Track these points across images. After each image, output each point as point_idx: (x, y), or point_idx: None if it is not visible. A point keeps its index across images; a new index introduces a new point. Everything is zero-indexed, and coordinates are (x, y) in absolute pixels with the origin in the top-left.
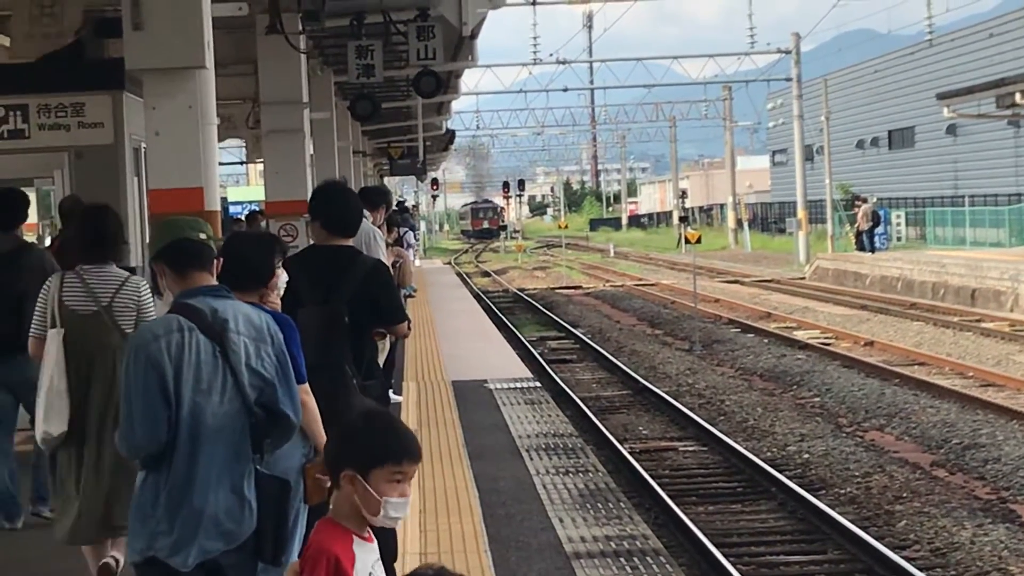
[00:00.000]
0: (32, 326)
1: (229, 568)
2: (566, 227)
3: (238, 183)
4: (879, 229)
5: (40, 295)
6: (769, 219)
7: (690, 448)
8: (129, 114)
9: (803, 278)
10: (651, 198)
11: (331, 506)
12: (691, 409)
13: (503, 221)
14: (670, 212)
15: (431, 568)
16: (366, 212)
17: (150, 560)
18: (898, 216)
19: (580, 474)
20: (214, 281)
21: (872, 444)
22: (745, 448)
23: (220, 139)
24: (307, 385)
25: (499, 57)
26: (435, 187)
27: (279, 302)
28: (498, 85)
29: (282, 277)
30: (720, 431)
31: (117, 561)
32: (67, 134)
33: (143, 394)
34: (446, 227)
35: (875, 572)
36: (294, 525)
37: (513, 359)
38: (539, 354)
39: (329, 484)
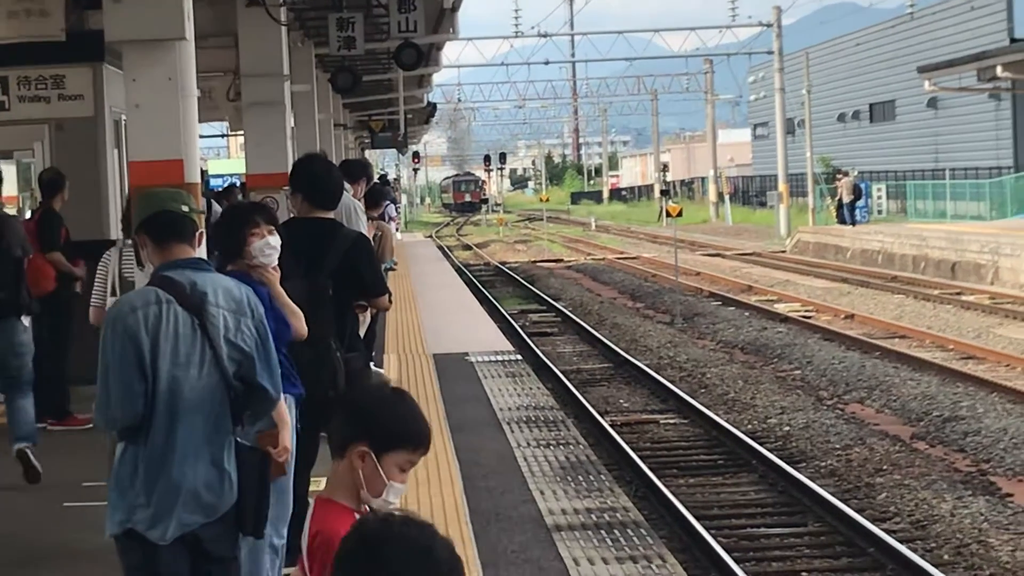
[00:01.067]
0: (93, 296)
1: (209, 541)
2: (547, 200)
3: (219, 156)
4: (860, 202)
5: (100, 266)
6: (750, 192)
7: (671, 421)
8: (109, 86)
9: (784, 251)
10: (632, 171)
11: (328, 480)
12: (672, 382)
13: (485, 194)
14: (651, 185)
15: (397, 514)
16: (347, 185)
17: (129, 532)
18: (879, 189)
19: (561, 447)
20: (196, 253)
21: (852, 417)
22: (726, 421)
23: (202, 118)
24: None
25: (480, 30)
26: (416, 160)
27: (275, 276)
28: (479, 58)
29: (271, 241)
30: (701, 404)
31: None
32: (47, 106)
33: (120, 366)
34: (427, 200)
35: (855, 544)
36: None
37: (494, 332)
38: (520, 327)
39: (284, 459)
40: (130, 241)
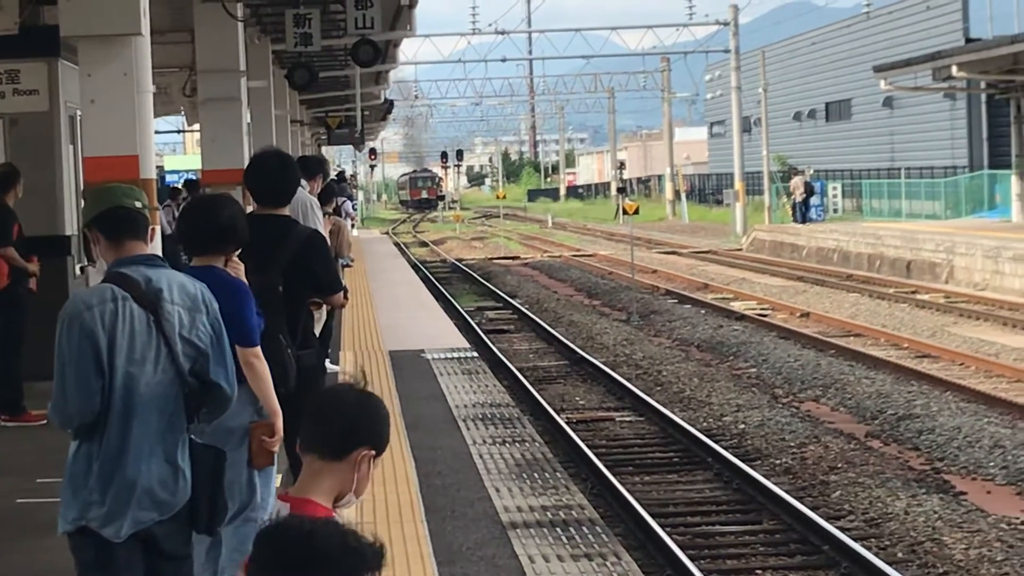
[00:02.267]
0: None
1: (163, 538)
2: (504, 197)
3: (175, 151)
4: (814, 201)
5: None
6: (707, 190)
7: (627, 418)
8: (64, 81)
9: (740, 249)
10: (589, 169)
11: (305, 480)
12: (628, 379)
13: (442, 191)
14: (608, 183)
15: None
16: (303, 182)
17: (82, 530)
18: (835, 188)
19: (517, 444)
20: (149, 249)
21: (808, 415)
22: (681, 418)
23: (157, 113)
24: (258, 348)
25: (438, 27)
26: (373, 157)
27: (242, 268)
28: (437, 55)
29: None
30: (657, 401)
31: None
32: (2, 101)
33: (76, 364)
34: (384, 197)
35: (810, 542)
36: (253, 485)
37: (450, 329)
38: (476, 324)
39: (276, 449)
40: None
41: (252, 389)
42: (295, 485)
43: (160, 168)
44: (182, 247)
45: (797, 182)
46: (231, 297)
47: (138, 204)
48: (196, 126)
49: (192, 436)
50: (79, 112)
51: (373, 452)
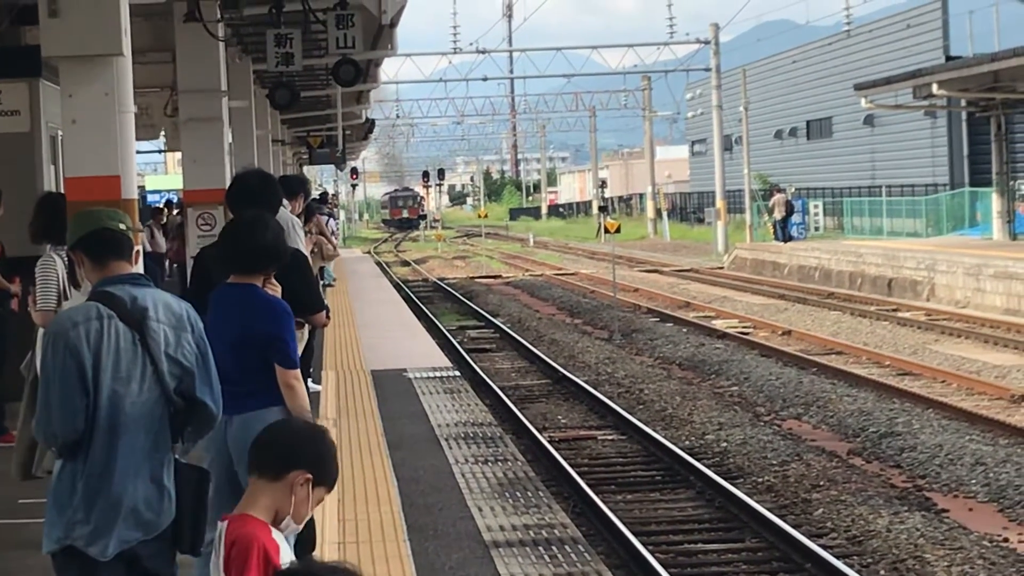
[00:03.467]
0: (40, 299)
1: (147, 558)
2: (486, 216)
3: (156, 171)
4: (796, 219)
5: (41, 270)
6: (688, 209)
7: (609, 437)
8: (45, 102)
9: (722, 267)
10: (571, 187)
11: (245, 498)
12: (610, 398)
13: (423, 210)
14: (589, 202)
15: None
16: (285, 201)
17: (67, 549)
18: (816, 206)
19: (499, 463)
20: (133, 270)
21: (789, 433)
22: (664, 437)
23: (138, 134)
24: (299, 371)
25: (419, 46)
26: (354, 176)
27: (279, 289)
28: (418, 74)
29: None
30: (639, 420)
31: None
32: None
33: (61, 382)
34: (365, 216)
35: (792, 560)
36: None
37: (432, 348)
38: (458, 343)
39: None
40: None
41: (290, 411)
42: (238, 504)
43: (141, 188)
44: (221, 265)
45: (778, 199)
46: (273, 318)
47: (122, 226)
48: (177, 147)
49: (176, 456)
50: (60, 132)
51: (310, 477)
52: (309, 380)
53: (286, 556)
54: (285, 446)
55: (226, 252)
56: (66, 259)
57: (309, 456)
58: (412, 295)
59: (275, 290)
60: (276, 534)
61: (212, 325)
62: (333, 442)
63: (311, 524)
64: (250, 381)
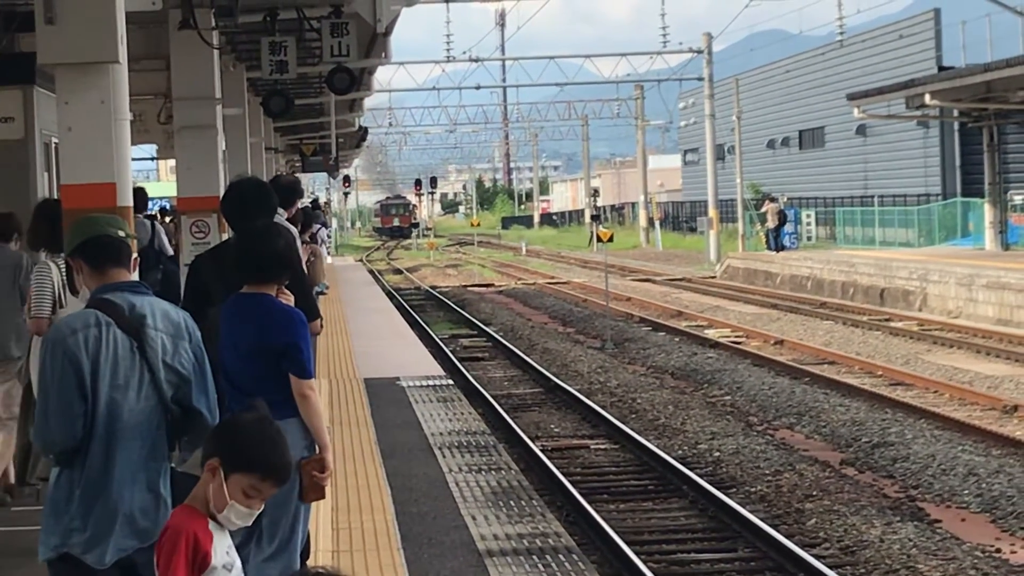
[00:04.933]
0: (35, 307)
1: (142, 565)
2: (478, 225)
3: (148, 179)
4: (788, 228)
5: (37, 277)
6: (680, 218)
7: (602, 446)
8: (40, 109)
9: (714, 277)
10: (563, 196)
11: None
12: (603, 407)
13: (415, 218)
14: (582, 210)
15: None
16: (280, 208)
17: (64, 557)
18: (808, 216)
19: (492, 472)
20: (131, 277)
21: (782, 442)
22: (656, 446)
23: (132, 141)
24: (313, 381)
25: (412, 54)
26: (347, 184)
27: (292, 298)
28: (411, 83)
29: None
30: (631, 429)
31: None
32: None
33: (59, 389)
34: (358, 224)
35: (785, 570)
36: (296, 524)
37: (425, 357)
38: (451, 352)
39: (327, 483)
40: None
41: (304, 422)
42: None
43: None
44: (236, 275)
45: (771, 208)
46: (290, 327)
47: (120, 233)
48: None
49: (172, 465)
50: (55, 140)
51: (217, 464)
52: None
53: (222, 547)
54: (207, 437)
55: (241, 261)
56: (63, 266)
57: (220, 442)
58: (405, 303)
59: (288, 299)
60: (213, 525)
61: (226, 335)
62: (258, 424)
63: (305, 533)
64: (265, 392)
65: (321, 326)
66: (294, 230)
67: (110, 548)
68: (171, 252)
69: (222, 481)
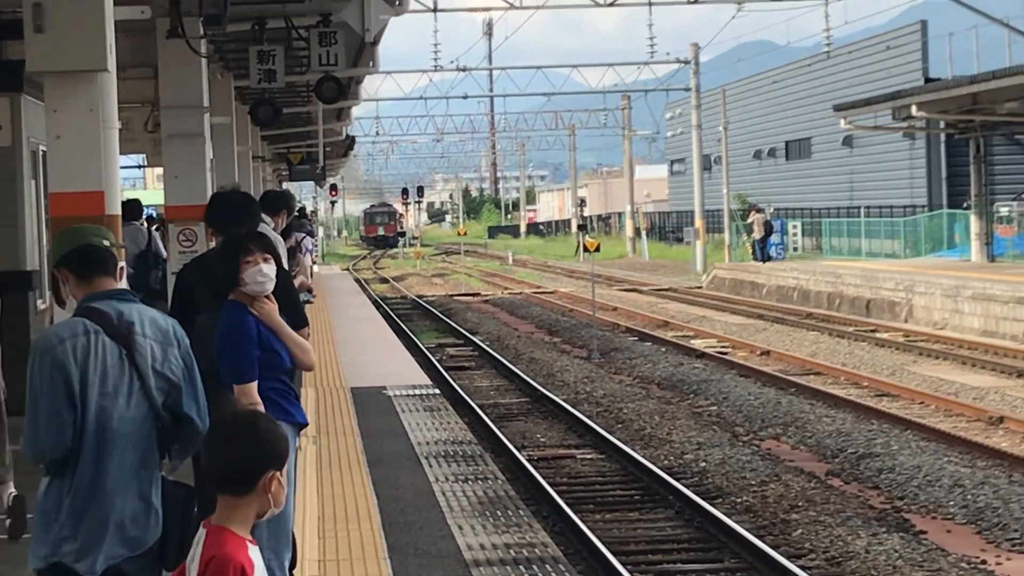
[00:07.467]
0: None
1: (133, 574)
2: (465, 234)
3: (135, 187)
4: (775, 239)
5: None
6: (667, 228)
7: (588, 456)
8: (28, 116)
9: (700, 287)
10: (550, 206)
11: (222, 512)
12: (589, 417)
13: (401, 227)
14: (569, 220)
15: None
16: (267, 218)
17: (54, 566)
18: (794, 226)
19: (479, 481)
20: (120, 286)
21: (768, 453)
22: (642, 456)
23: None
24: (248, 386)
25: (400, 64)
26: (334, 193)
27: (270, 307)
28: (398, 92)
29: (264, 268)
30: (618, 439)
31: None
32: None
33: (48, 398)
34: (344, 233)
35: None
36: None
37: (412, 366)
38: (437, 361)
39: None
40: None
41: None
42: (215, 514)
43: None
44: (221, 285)
45: (757, 219)
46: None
47: (106, 242)
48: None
49: (163, 473)
50: (43, 147)
51: (276, 472)
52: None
53: (261, 571)
54: (245, 459)
55: (227, 270)
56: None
57: (268, 455)
58: (391, 312)
59: (272, 305)
60: (253, 551)
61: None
62: (266, 424)
63: (292, 542)
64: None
65: (307, 334)
66: (280, 240)
67: (101, 557)
68: (166, 255)
69: (281, 482)
